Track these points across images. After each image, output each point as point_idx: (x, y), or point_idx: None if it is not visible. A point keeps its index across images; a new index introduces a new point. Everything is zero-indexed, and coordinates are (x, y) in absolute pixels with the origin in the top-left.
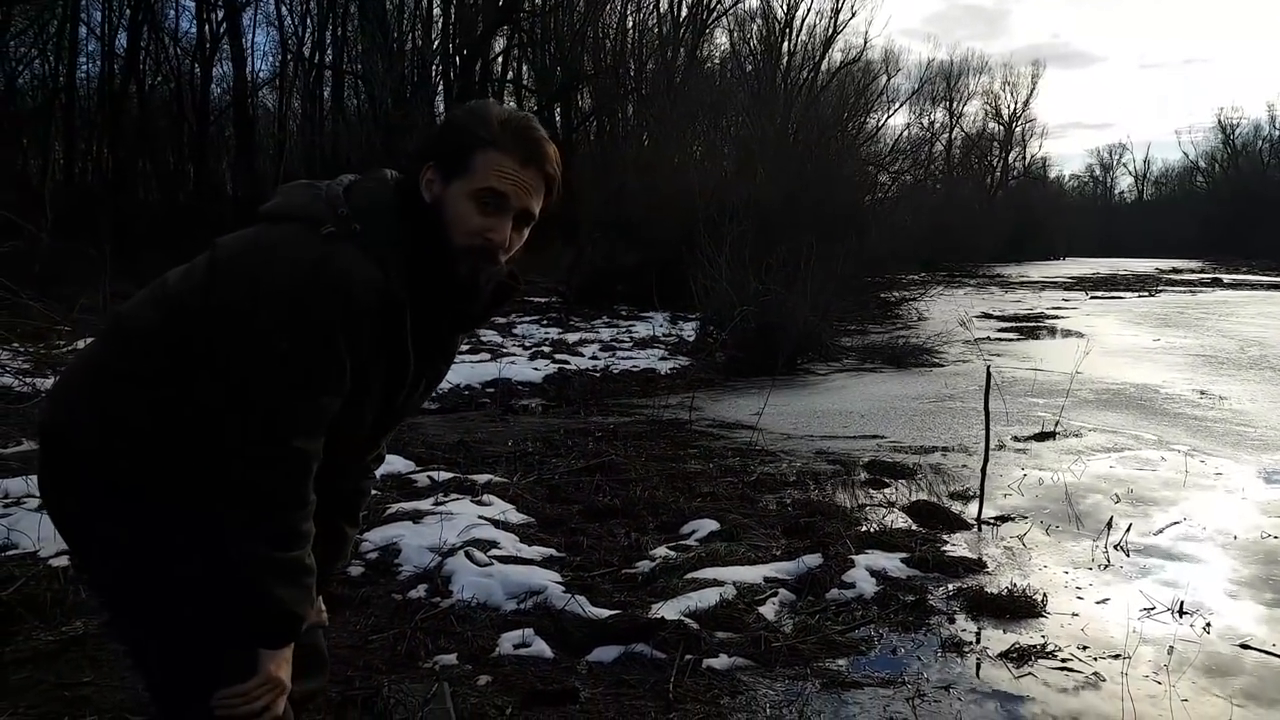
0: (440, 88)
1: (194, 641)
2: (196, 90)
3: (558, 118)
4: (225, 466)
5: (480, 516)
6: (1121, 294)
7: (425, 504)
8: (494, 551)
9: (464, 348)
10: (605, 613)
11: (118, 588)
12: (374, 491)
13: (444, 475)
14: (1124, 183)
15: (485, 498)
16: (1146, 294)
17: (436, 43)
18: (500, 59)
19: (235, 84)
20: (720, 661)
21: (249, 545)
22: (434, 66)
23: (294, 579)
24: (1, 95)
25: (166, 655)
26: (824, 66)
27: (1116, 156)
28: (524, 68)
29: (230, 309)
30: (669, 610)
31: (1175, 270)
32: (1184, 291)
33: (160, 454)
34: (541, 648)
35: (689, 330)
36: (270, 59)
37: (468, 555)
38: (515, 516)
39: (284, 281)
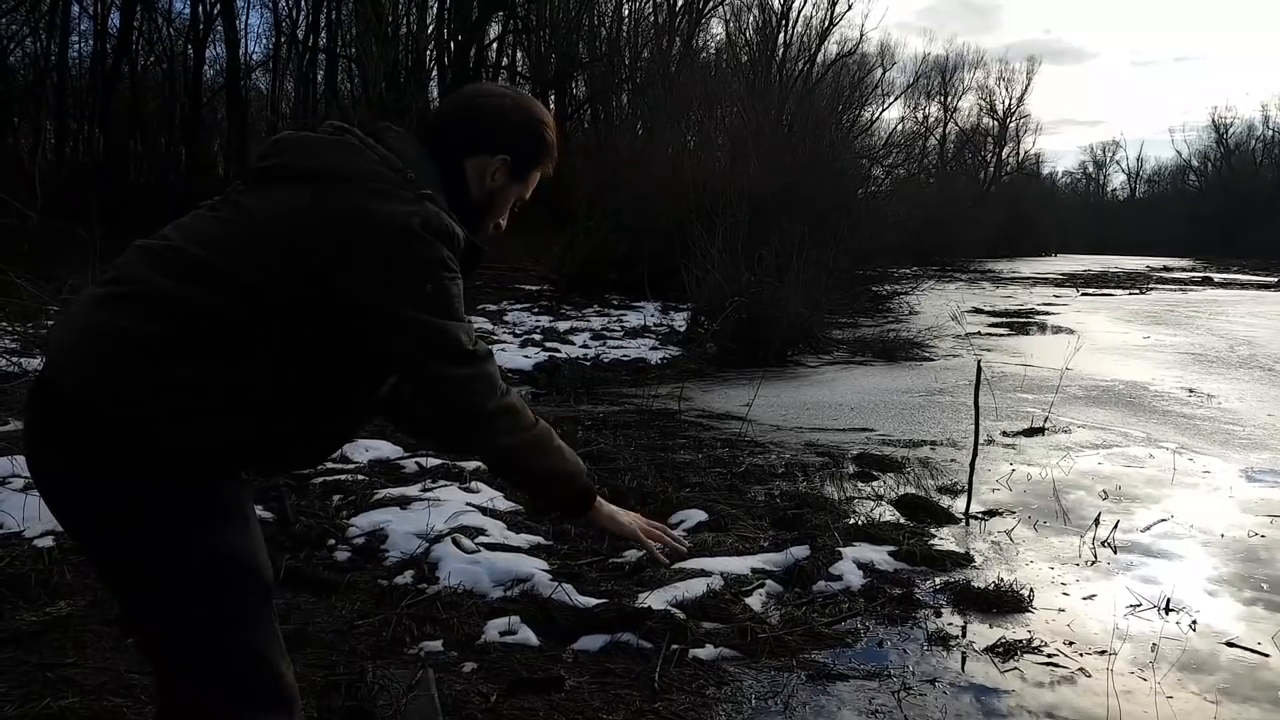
0: (435, 73)
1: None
2: (189, 71)
3: (552, 105)
4: (435, 410)
5: (468, 503)
6: (1112, 291)
7: (413, 490)
8: (481, 538)
9: None
10: (592, 601)
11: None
12: None
13: (432, 461)
14: (1116, 180)
15: (473, 484)
16: (1137, 292)
17: (431, 28)
18: (495, 45)
19: (228, 66)
20: (706, 652)
21: (504, 444)
22: (428, 52)
23: (548, 447)
24: None
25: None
26: (819, 59)
27: (1110, 154)
28: (519, 54)
29: (353, 273)
30: (656, 600)
31: (1166, 268)
32: (1175, 290)
33: (213, 423)
34: (527, 635)
35: (680, 320)
36: (264, 41)
37: (455, 542)
38: (503, 504)
39: (414, 231)
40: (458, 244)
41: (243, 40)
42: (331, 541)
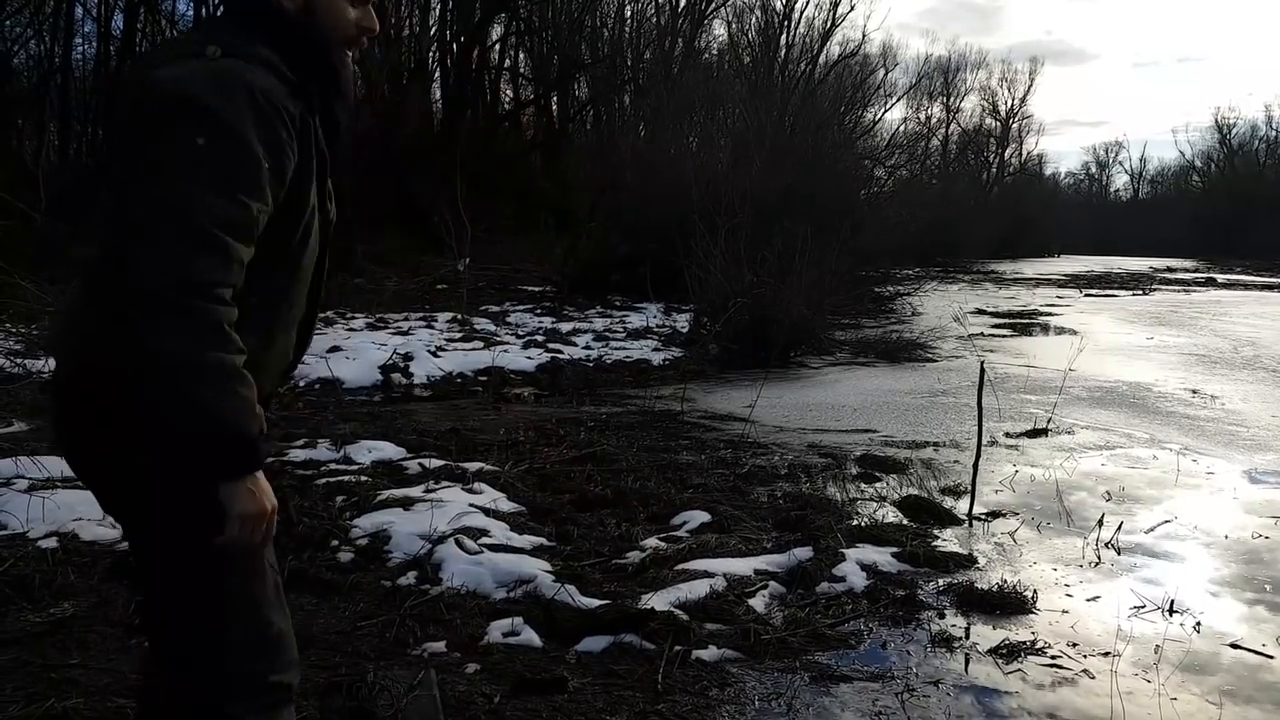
0: (437, 75)
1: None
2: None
3: (554, 107)
4: (133, 273)
5: (471, 504)
6: (1116, 292)
7: (416, 491)
8: (484, 540)
9: (457, 335)
10: (595, 602)
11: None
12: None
13: (435, 462)
14: (1119, 181)
15: (476, 486)
16: (1141, 292)
17: (434, 30)
18: (497, 46)
19: None
20: (709, 653)
21: (172, 344)
22: (431, 53)
23: (227, 382)
24: None
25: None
26: (822, 60)
27: (1113, 154)
28: (521, 55)
29: (137, 143)
30: (659, 601)
31: (1169, 269)
32: (1178, 290)
33: None
34: (530, 636)
35: (682, 321)
36: None
37: (458, 543)
38: (506, 505)
39: (189, 92)
40: (268, 106)
41: None
42: (335, 542)
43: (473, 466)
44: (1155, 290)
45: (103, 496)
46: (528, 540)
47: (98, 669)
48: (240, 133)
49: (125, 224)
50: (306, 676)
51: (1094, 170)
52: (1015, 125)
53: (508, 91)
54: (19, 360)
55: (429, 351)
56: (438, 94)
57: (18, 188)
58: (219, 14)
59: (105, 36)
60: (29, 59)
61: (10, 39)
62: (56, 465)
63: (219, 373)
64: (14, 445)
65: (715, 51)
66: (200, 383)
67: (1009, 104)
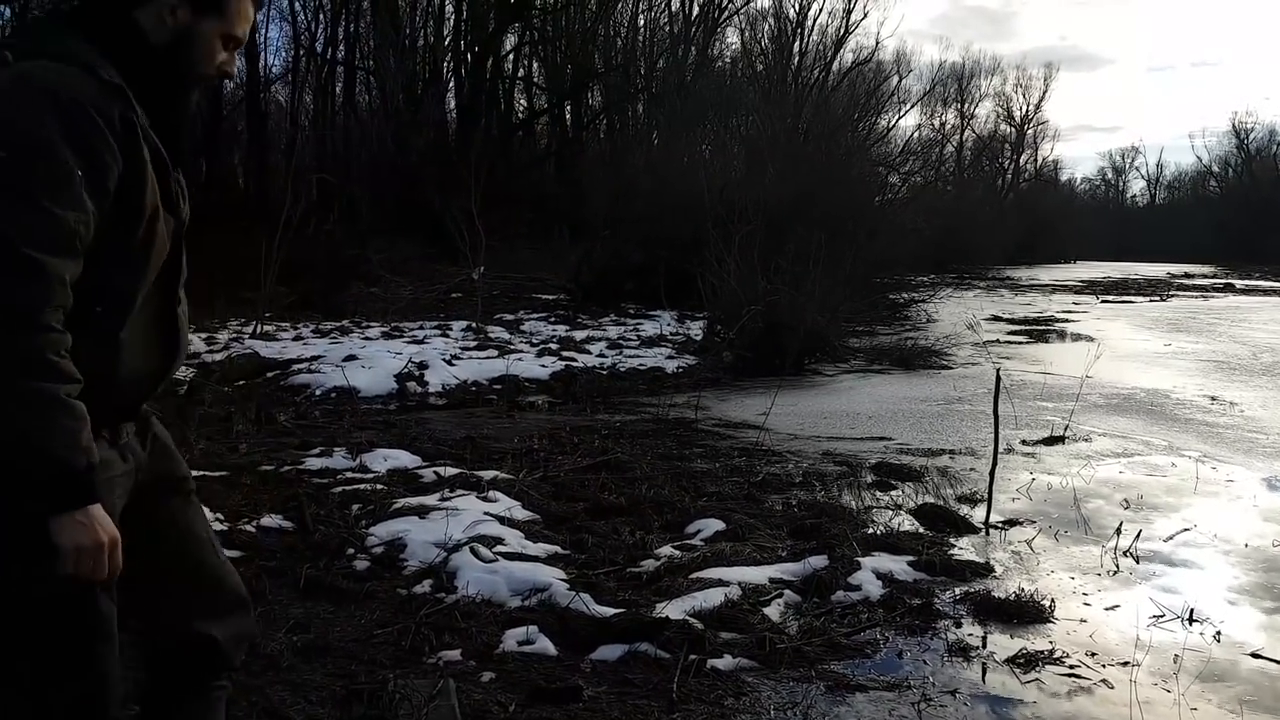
0: (451, 84)
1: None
2: (209, 86)
3: (568, 115)
4: None
5: (486, 513)
6: (1133, 298)
7: (431, 499)
8: (499, 548)
9: (472, 343)
10: (610, 611)
11: None
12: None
13: (450, 471)
14: (1136, 186)
15: (491, 494)
16: (1158, 298)
17: (448, 39)
18: (511, 56)
19: (248, 78)
20: (725, 662)
21: None
22: (445, 63)
23: (50, 413)
24: None
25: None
26: (835, 66)
27: (1129, 160)
28: (535, 65)
29: None
30: (673, 610)
31: (1187, 275)
32: (1196, 296)
33: None
34: (545, 645)
35: (696, 329)
36: (283, 54)
37: (473, 551)
38: (521, 513)
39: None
40: (79, 110)
41: (262, 53)
42: (350, 551)
43: (488, 474)
44: (1173, 296)
45: None
46: (542, 548)
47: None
48: (43, 141)
49: None
50: (323, 684)
51: (1110, 176)
52: (1030, 131)
53: (521, 101)
54: None
55: (444, 360)
56: (452, 103)
57: None
58: (62, 12)
59: None
60: None
61: None
62: None
63: (38, 403)
64: None
65: (728, 59)
66: (20, 414)
67: (1024, 110)
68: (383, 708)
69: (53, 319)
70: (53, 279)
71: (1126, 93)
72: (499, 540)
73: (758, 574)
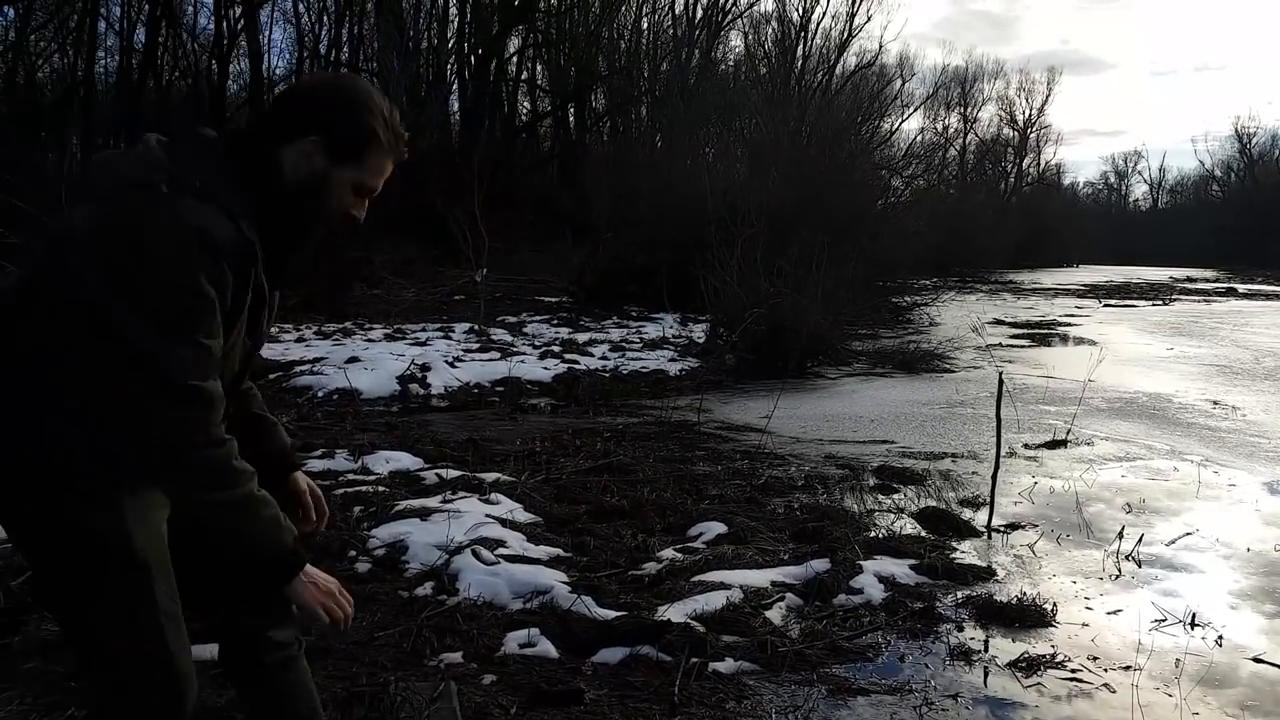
0: (455, 87)
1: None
2: (213, 86)
3: (571, 118)
4: (137, 436)
5: (488, 515)
6: (1135, 302)
7: (433, 501)
8: (501, 550)
9: (474, 345)
10: (611, 614)
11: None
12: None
13: (452, 473)
14: (1139, 190)
15: (493, 496)
16: (1160, 302)
17: (452, 42)
18: (515, 59)
19: (252, 81)
20: (726, 665)
21: (193, 495)
22: (449, 65)
23: (250, 510)
24: (21, 88)
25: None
26: (838, 70)
27: (1132, 164)
28: (539, 67)
29: (98, 279)
30: (675, 613)
31: (1190, 279)
32: (1198, 300)
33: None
34: (547, 648)
35: (699, 332)
36: (287, 56)
37: (475, 554)
38: (523, 515)
39: (147, 239)
40: (216, 251)
41: (266, 55)
42: (352, 553)
43: (490, 477)
44: (1175, 300)
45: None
46: (544, 551)
47: None
48: (193, 281)
49: (109, 379)
50: (325, 686)
51: (1113, 180)
52: (1033, 135)
53: (525, 103)
54: None
55: (446, 362)
56: (455, 106)
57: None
58: (212, 140)
59: (127, 50)
60: (52, 73)
61: (35, 53)
62: None
63: (240, 505)
64: None
65: (732, 63)
66: (229, 515)
67: (1026, 113)
68: (384, 710)
69: (221, 432)
70: (215, 399)
71: (1129, 97)
72: (501, 543)
73: (760, 577)
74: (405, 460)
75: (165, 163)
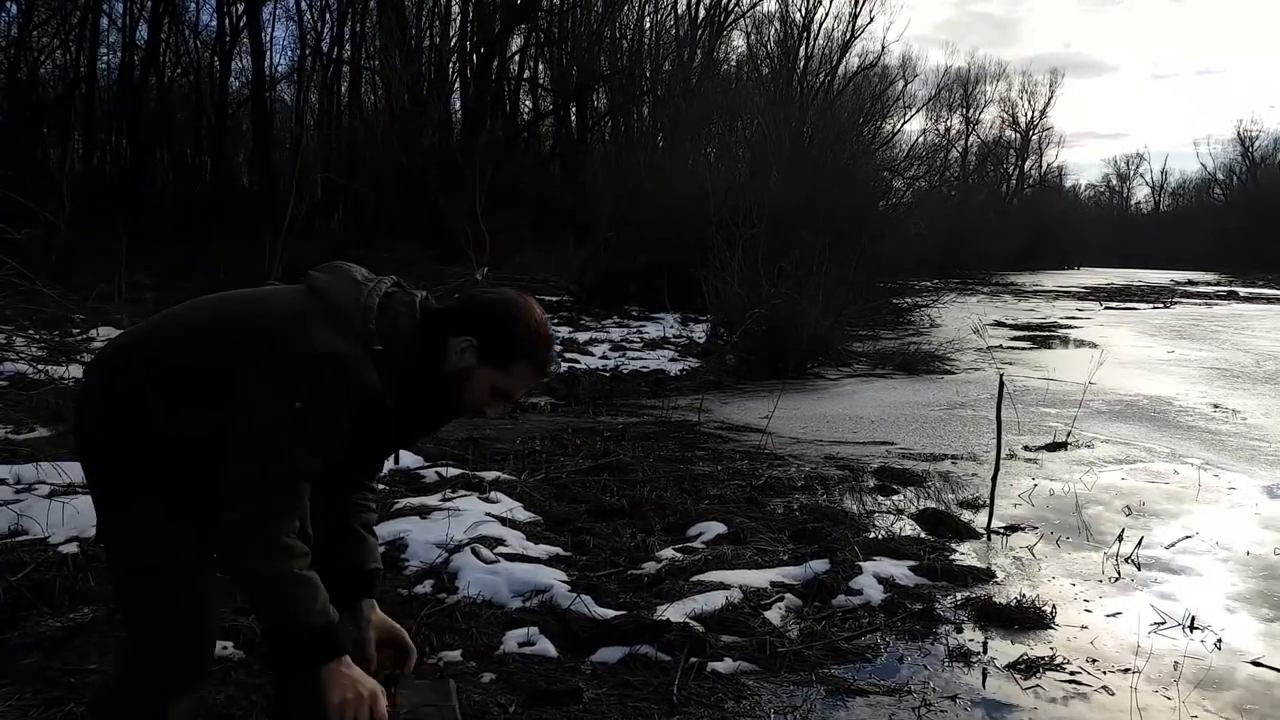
0: (457, 85)
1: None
2: (215, 83)
3: (573, 117)
4: (225, 498)
5: (487, 514)
6: (1136, 305)
7: (433, 499)
8: (500, 549)
9: None
10: (610, 613)
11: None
12: (373, 514)
13: (452, 471)
14: (1140, 193)
15: (493, 495)
16: (1161, 305)
17: (454, 40)
18: (517, 57)
19: (254, 77)
20: (725, 665)
21: (248, 562)
22: (451, 64)
23: (292, 589)
24: (24, 84)
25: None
26: (841, 71)
27: (1134, 167)
28: (540, 66)
29: (267, 365)
30: (674, 612)
31: (1191, 282)
32: (1199, 304)
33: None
34: (546, 646)
35: (699, 332)
36: (289, 53)
37: (474, 552)
38: (522, 514)
39: (322, 365)
40: (359, 396)
41: (268, 52)
42: None
43: (489, 475)
44: (1176, 303)
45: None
46: (544, 550)
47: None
48: (333, 411)
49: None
50: None
51: (1115, 182)
52: (1035, 137)
53: (527, 102)
54: (41, 366)
55: None
56: (457, 104)
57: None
58: (422, 308)
59: (130, 46)
60: (54, 69)
61: (37, 49)
62: (77, 471)
63: (275, 582)
64: (35, 451)
65: (734, 63)
66: (264, 592)
67: (1029, 115)
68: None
69: (296, 520)
70: (299, 493)
71: (1131, 99)
72: (500, 541)
73: (759, 577)
74: (405, 458)
75: (371, 317)
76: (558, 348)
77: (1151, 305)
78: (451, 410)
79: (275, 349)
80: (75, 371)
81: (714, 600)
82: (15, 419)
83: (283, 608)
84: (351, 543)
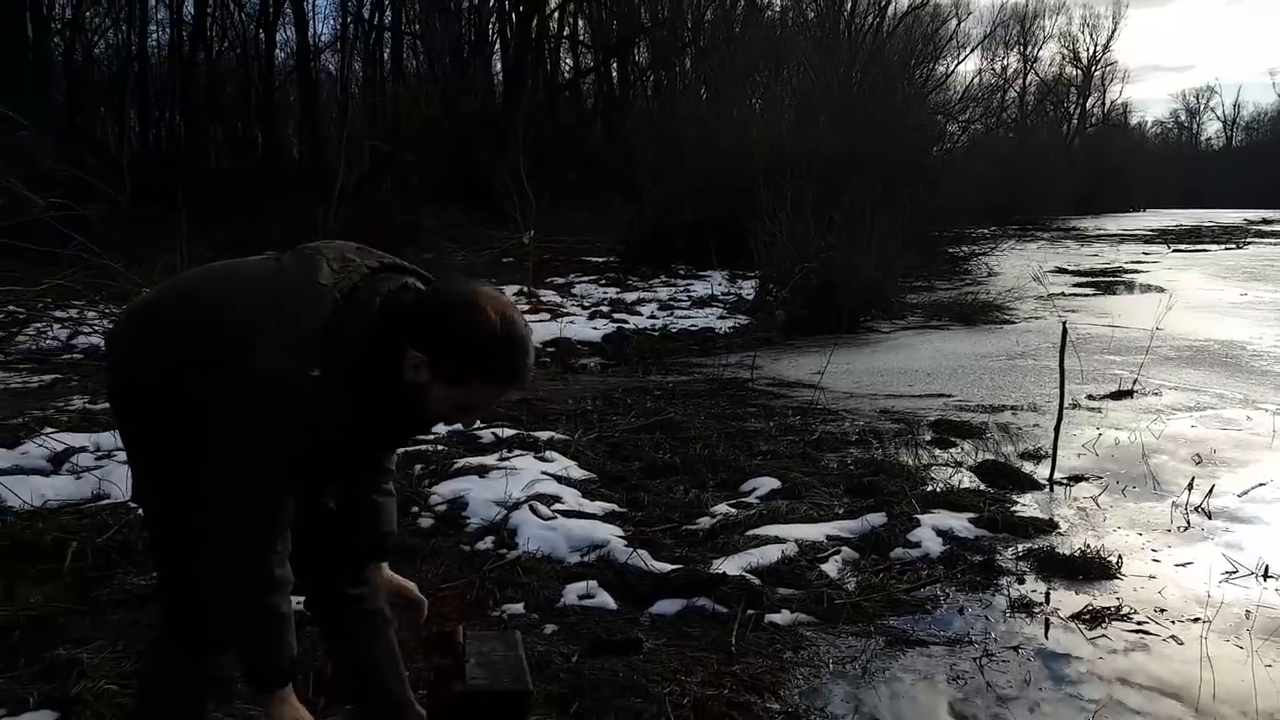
0: (497, 46)
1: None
2: (262, 56)
3: (614, 73)
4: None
5: (543, 472)
6: (1206, 246)
7: (490, 459)
8: (557, 506)
9: (524, 307)
10: (667, 567)
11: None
12: (390, 482)
13: (508, 432)
14: (1211, 129)
15: (548, 454)
16: (1234, 246)
17: (493, 1)
18: (556, 14)
19: (298, 48)
20: (782, 617)
21: (218, 595)
22: (491, 24)
23: (258, 625)
24: (79, 65)
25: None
26: (890, 11)
27: (1203, 100)
28: (580, 22)
29: (225, 383)
30: (730, 566)
31: (1265, 221)
32: (1275, 244)
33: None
34: (605, 599)
35: (748, 288)
36: (331, 22)
37: (532, 509)
38: (577, 473)
39: (267, 392)
40: (305, 427)
41: (311, 22)
42: (415, 509)
43: (544, 435)
44: (1250, 244)
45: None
46: (599, 506)
47: None
48: (287, 435)
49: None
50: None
51: (1183, 118)
52: (1097, 73)
53: (567, 60)
54: None
55: None
56: (498, 65)
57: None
58: (356, 312)
59: (178, 23)
60: (108, 48)
61: (92, 30)
62: None
63: (264, 620)
64: (112, 420)
65: (778, 8)
66: (246, 627)
67: (1090, 50)
68: (455, 656)
69: (273, 550)
70: (269, 523)
71: (1201, 29)
72: (557, 499)
73: (814, 531)
74: None
75: (317, 339)
76: (605, 308)
77: (1223, 246)
78: (418, 424)
79: (231, 364)
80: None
81: (769, 554)
82: (91, 389)
83: (262, 643)
84: (365, 514)
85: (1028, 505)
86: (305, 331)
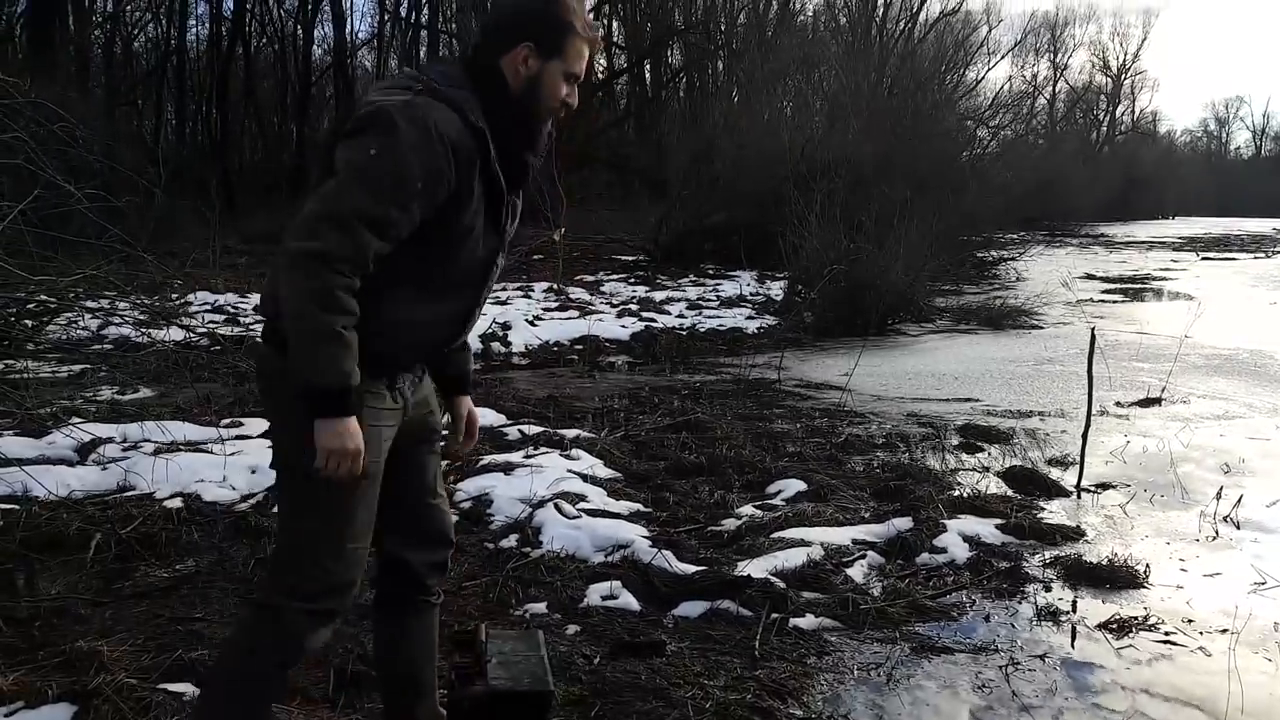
0: None
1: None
2: (299, 51)
3: (647, 75)
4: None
5: (569, 470)
6: (1236, 255)
7: (516, 456)
8: (582, 505)
9: (553, 304)
10: (691, 568)
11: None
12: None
13: (534, 429)
14: (1241, 138)
15: (573, 452)
16: (1263, 255)
17: None
18: (591, 15)
19: (335, 45)
20: (807, 621)
21: (290, 293)
22: None
23: (323, 340)
24: (119, 58)
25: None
26: (921, 18)
27: (1233, 110)
28: (614, 24)
29: (345, 134)
30: (755, 569)
31: None
32: None
33: None
34: (629, 600)
35: (776, 290)
36: (369, 19)
37: (557, 507)
38: (603, 471)
39: (381, 117)
40: (443, 142)
41: (348, 19)
42: None
43: (570, 433)
44: (1279, 253)
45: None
46: (624, 506)
47: (220, 623)
48: (406, 159)
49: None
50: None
51: (1213, 127)
52: (1127, 81)
53: (601, 60)
54: (145, 330)
55: (526, 320)
56: None
57: (141, 166)
58: (456, 57)
59: (217, 18)
60: (147, 42)
61: (131, 23)
62: (180, 430)
63: (315, 328)
64: (141, 411)
65: (811, 13)
66: (300, 332)
67: (1120, 59)
68: (477, 654)
69: (350, 270)
70: (362, 245)
71: (1231, 38)
72: (582, 497)
73: (840, 535)
74: (488, 416)
75: (416, 77)
76: (634, 306)
77: (1252, 255)
78: (533, 122)
79: (350, 122)
80: (175, 335)
81: (795, 557)
82: (121, 380)
83: (310, 358)
84: (455, 349)
85: (1055, 512)
86: (409, 77)
